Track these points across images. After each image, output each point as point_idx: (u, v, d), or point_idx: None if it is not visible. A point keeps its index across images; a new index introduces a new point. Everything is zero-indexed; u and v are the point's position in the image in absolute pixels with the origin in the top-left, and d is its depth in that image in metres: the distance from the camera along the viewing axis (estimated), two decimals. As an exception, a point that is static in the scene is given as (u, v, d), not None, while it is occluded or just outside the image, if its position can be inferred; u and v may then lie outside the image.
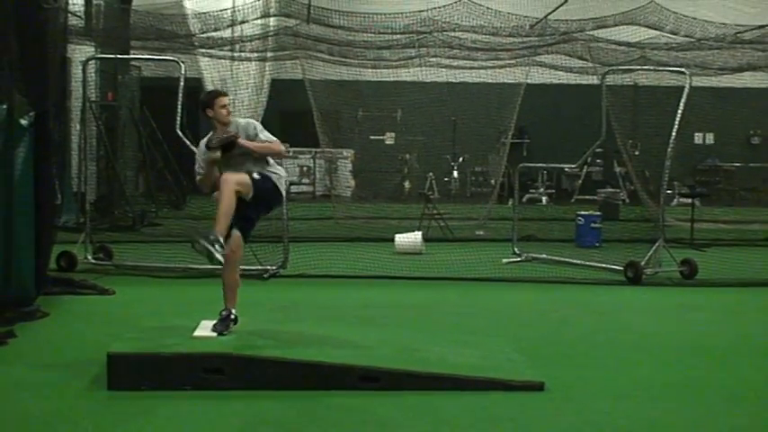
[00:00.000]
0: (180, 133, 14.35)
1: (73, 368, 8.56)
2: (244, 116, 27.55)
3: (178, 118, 14.33)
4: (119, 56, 19.81)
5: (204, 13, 20.72)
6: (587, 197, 27.02)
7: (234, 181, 8.89)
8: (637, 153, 25.94)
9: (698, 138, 31.14)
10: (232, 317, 8.91)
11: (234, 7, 20.56)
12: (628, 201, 25.61)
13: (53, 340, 9.93)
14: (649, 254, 14.44)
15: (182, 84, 14.41)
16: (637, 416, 7.49)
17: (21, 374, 8.49)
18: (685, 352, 9.84)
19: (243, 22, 21.05)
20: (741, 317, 12.10)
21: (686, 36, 19.04)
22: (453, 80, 24.79)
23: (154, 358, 7.97)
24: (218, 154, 9.11)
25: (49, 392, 7.88)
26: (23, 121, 10.99)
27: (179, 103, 14.40)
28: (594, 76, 21.47)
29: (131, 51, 20.71)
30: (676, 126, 14.55)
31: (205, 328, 8.77)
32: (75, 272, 13.95)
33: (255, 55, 24.42)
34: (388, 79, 24.87)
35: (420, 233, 17.53)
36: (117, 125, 21.67)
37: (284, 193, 9.40)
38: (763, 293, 13.75)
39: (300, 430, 7.02)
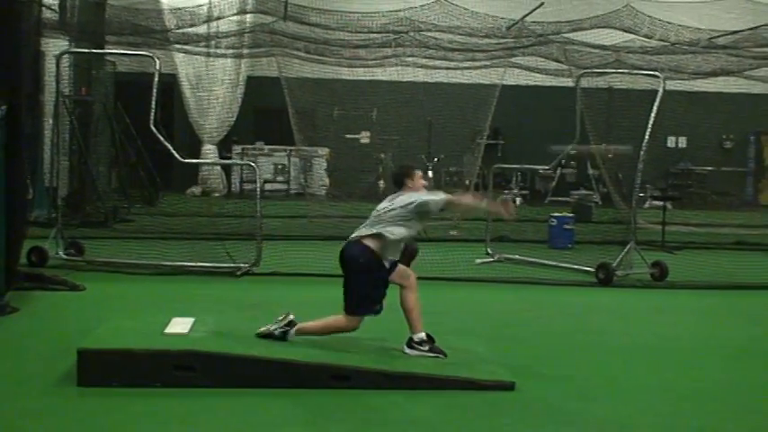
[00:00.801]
0: (154, 129, 14.28)
1: (42, 364, 8.52)
2: (218, 114, 27.70)
3: (152, 113, 14.27)
4: (93, 50, 19.71)
5: (180, 8, 20.66)
6: (561, 199, 27.13)
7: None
8: (610, 156, 26.03)
9: (671, 141, 31.31)
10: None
11: (210, 3, 20.52)
12: (600, 203, 25.74)
13: (23, 336, 9.88)
14: (621, 256, 14.51)
15: (156, 79, 14.34)
16: (607, 416, 7.52)
17: (-10, 369, 8.45)
18: (655, 353, 9.90)
19: (219, 19, 21.01)
20: (711, 319, 12.19)
21: (661, 40, 19.11)
22: (429, 80, 24.82)
23: (124, 355, 7.94)
24: None
25: (18, 388, 7.84)
26: (-5, 115, 10.92)
27: (153, 98, 14.33)
28: (569, 79, 21.54)
29: (106, 46, 20.62)
30: (649, 129, 14.63)
31: (176, 325, 8.73)
32: (45, 267, 13.87)
33: (231, 51, 24.38)
34: (364, 78, 24.86)
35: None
36: (90, 120, 21.54)
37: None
38: (732, 296, 13.85)
39: (270, 429, 7.01)
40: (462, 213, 9.03)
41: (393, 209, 8.81)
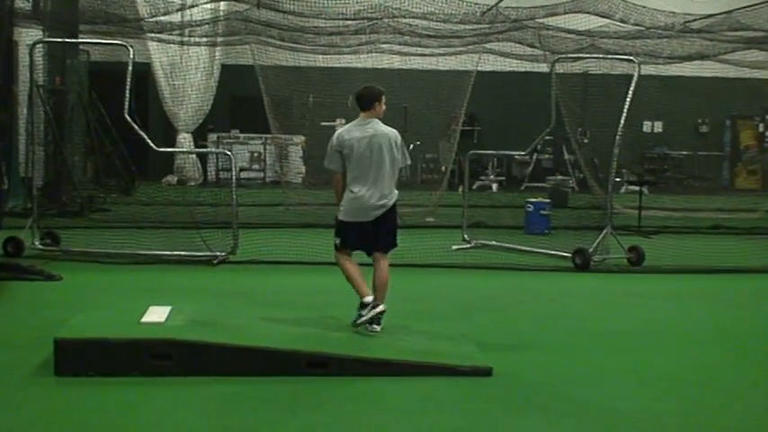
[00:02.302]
0: (128, 118, 14.22)
1: (19, 354, 8.50)
2: (193, 102, 27.57)
3: (126, 102, 14.21)
4: (67, 40, 19.61)
5: (153, -3, 20.57)
6: (537, 184, 27.15)
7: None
8: (586, 141, 26.10)
9: (647, 126, 31.37)
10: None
11: (184, -9, 20.45)
12: (577, 188, 25.77)
13: (-1, 326, 9.87)
14: (597, 241, 14.56)
15: (130, 68, 14.28)
16: (585, 400, 7.57)
17: (-34, 360, 8.43)
18: (631, 337, 9.95)
19: (192, 7, 20.94)
20: (687, 303, 12.24)
21: (636, 24, 19.13)
22: (404, 67, 24.79)
23: (101, 344, 7.93)
24: None
25: (-5, 378, 7.83)
26: (-31, 105, 10.87)
27: (127, 87, 14.27)
28: (545, 64, 21.56)
29: (79, 35, 20.50)
30: (625, 114, 14.67)
31: (153, 314, 8.71)
32: (22, 257, 13.82)
33: (205, 40, 24.28)
34: (339, 65, 24.82)
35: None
36: (65, 110, 21.45)
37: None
38: (708, 280, 13.92)
39: (248, 416, 7.02)
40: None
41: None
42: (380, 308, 8.94)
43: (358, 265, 9.32)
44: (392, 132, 9.28)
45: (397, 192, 9.28)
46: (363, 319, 8.94)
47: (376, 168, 9.12)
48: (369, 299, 8.99)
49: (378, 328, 8.94)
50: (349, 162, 9.17)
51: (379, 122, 9.28)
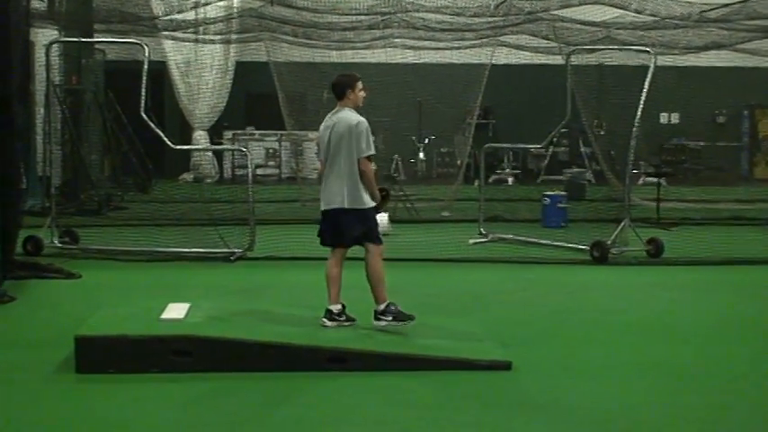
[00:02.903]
0: (144, 116, 14.27)
1: (41, 352, 8.54)
2: (208, 100, 27.60)
3: (142, 101, 14.26)
4: (82, 39, 19.67)
5: (167, -5, 20.60)
6: (553, 177, 27.11)
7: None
8: (602, 133, 26.00)
9: (663, 117, 31.25)
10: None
11: (198, -11, 20.47)
12: (594, 181, 25.69)
13: (20, 324, 9.92)
14: (615, 233, 14.51)
15: (146, 67, 14.32)
16: (603, 394, 7.56)
17: (-13, 359, 8.47)
18: (651, 330, 9.92)
19: (206, 4, 20.95)
20: (706, 295, 12.20)
21: (651, 15, 19.03)
22: (418, 61, 24.77)
23: (122, 341, 7.96)
24: None
25: (17, 376, 7.88)
26: (-13, 106, 10.92)
27: (143, 86, 14.31)
28: (560, 56, 21.49)
29: (95, 34, 20.56)
30: (641, 105, 14.61)
31: (172, 311, 8.74)
32: (41, 256, 13.87)
33: (219, 37, 24.31)
34: (352, 60, 24.76)
35: (386, 215, 17.48)
36: (81, 109, 21.51)
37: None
38: (728, 272, 13.86)
39: (268, 411, 7.04)
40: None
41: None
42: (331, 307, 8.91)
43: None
44: (354, 120, 8.96)
45: (362, 197, 8.89)
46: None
47: (332, 158, 9.04)
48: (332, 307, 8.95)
49: (328, 323, 8.88)
50: (321, 153, 9.19)
51: (348, 111, 9.05)
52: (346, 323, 8.91)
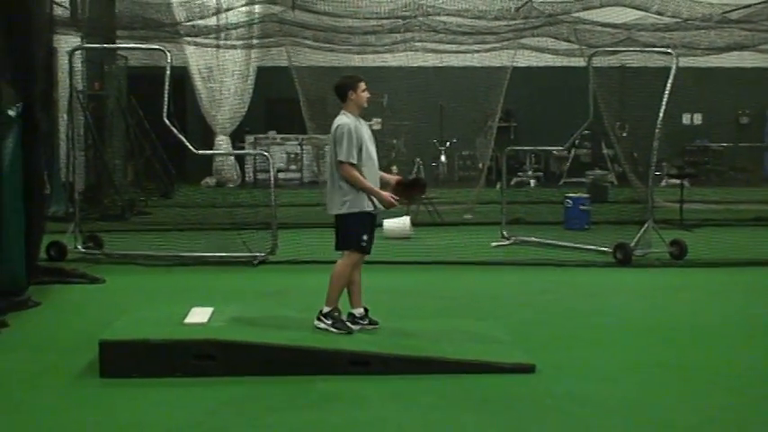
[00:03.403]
0: (167, 121, 14.33)
1: (65, 356, 8.59)
2: (230, 105, 27.67)
3: (165, 106, 14.31)
4: (105, 45, 19.77)
5: (189, 1, 20.69)
6: (575, 179, 27.04)
7: None
8: (624, 134, 25.93)
9: (686, 118, 31.16)
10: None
11: (219, -5, 20.56)
12: (616, 182, 25.64)
13: (45, 329, 9.95)
14: (638, 235, 14.47)
15: (168, 72, 14.37)
16: (627, 396, 7.54)
17: (13, 363, 8.52)
18: (674, 332, 9.89)
19: (228, 10, 21.03)
20: (730, 297, 12.14)
21: (673, 16, 19.00)
22: (439, 64, 24.78)
23: (145, 345, 8.00)
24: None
25: (42, 381, 7.91)
26: (11, 112, 10.98)
27: (166, 91, 14.37)
28: (581, 59, 21.45)
29: (117, 41, 20.66)
30: (664, 107, 14.57)
31: (195, 315, 8.77)
32: (65, 261, 13.94)
33: (241, 43, 24.39)
34: (374, 65, 24.81)
35: (408, 218, 17.53)
36: (104, 114, 21.63)
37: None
38: (751, 273, 13.80)
39: (292, 415, 7.05)
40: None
41: None
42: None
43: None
44: (335, 124, 8.87)
45: (346, 202, 8.78)
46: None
47: (329, 162, 9.06)
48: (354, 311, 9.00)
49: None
50: None
51: (342, 115, 8.94)
52: (369, 327, 8.93)
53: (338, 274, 8.84)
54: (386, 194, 8.89)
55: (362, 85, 8.99)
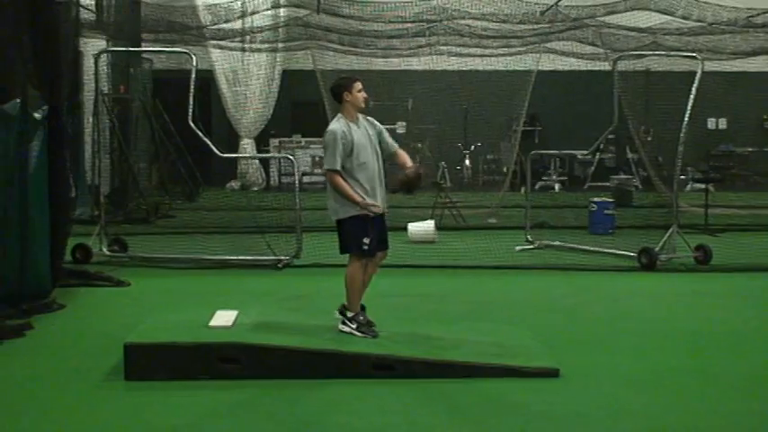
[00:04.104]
0: (192, 125, 14.36)
1: (89, 359, 8.63)
2: (255, 108, 27.73)
3: (190, 109, 14.34)
4: (130, 48, 19.86)
5: (215, 4, 20.78)
6: (600, 184, 26.99)
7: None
8: (649, 139, 25.89)
9: (711, 123, 31.00)
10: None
11: (244, -2, 20.61)
12: (641, 187, 25.54)
13: (70, 332, 9.99)
14: (663, 240, 14.42)
15: (193, 76, 14.41)
16: (651, 402, 7.51)
17: (38, 366, 8.55)
18: (699, 338, 9.85)
19: (253, 14, 21.08)
20: (755, 302, 12.07)
21: (698, 21, 18.97)
22: (464, 68, 24.75)
23: (170, 348, 8.03)
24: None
25: (67, 383, 7.95)
26: (37, 115, 11.04)
27: (191, 94, 14.40)
28: (606, 63, 21.44)
29: (143, 44, 20.76)
30: (689, 111, 14.51)
31: (220, 318, 8.80)
32: (90, 264, 13.99)
33: (266, 46, 24.47)
34: (398, 68, 24.85)
35: (433, 222, 17.54)
36: (129, 118, 21.70)
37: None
38: (777, 278, 13.74)
39: (317, 418, 7.06)
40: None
41: None
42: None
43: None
44: (327, 129, 8.82)
45: (341, 207, 8.79)
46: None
47: None
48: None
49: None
50: None
51: (338, 119, 8.90)
52: (358, 334, 8.87)
53: (350, 278, 8.89)
54: (370, 203, 8.74)
55: (358, 86, 8.94)
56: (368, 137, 8.93)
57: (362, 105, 9.02)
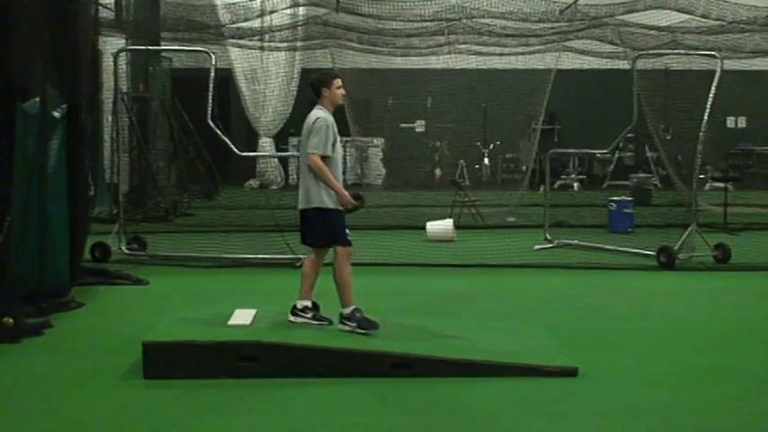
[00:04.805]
0: (211, 123, 14.39)
1: (108, 357, 8.65)
2: (274, 107, 27.74)
3: (209, 108, 14.37)
4: (149, 47, 19.90)
5: (234, 3, 20.78)
6: (619, 182, 26.89)
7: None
8: (669, 138, 25.77)
9: (730, 122, 30.86)
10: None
11: (263, -3, 20.63)
12: (660, 186, 25.46)
13: (88, 330, 10.03)
14: (682, 239, 14.38)
15: (212, 74, 14.45)
16: (670, 400, 7.49)
17: (56, 364, 8.58)
18: (718, 337, 9.83)
19: (272, 12, 21.09)
20: (775, 301, 12.05)
21: (717, 19, 18.88)
22: (483, 67, 24.70)
23: (189, 347, 8.04)
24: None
25: (85, 382, 7.97)
26: (56, 114, 11.09)
27: (210, 93, 14.43)
28: (625, 61, 21.36)
29: (162, 42, 20.79)
30: (708, 110, 14.47)
31: (239, 317, 8.81)
32: (109, 262, 14.03)
33: (285, 45, 24.46)
34: (417, 67, 24.84)
35: (451, 220, 17.53)
36: (148, 116, 21.75)
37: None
38: (797, 277, 13.68)
39: (336, 417, 7.06)
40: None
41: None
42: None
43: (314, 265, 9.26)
44: (313, 117, 8.86)
45: (322, 197, 8.82)
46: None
47: (301, 157, 9.14)
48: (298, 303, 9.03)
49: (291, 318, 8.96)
50: None
51: (317, 109, 8.95)
52: (314, 322, 8.95)
53: (342, 272, 8.97)
54: (347, 195, 8.88)
55: (337, 82, 9.02)
56: (337, 133, 9.06)
57: (340, 102, 9.15)
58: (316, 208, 8.87)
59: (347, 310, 8.82)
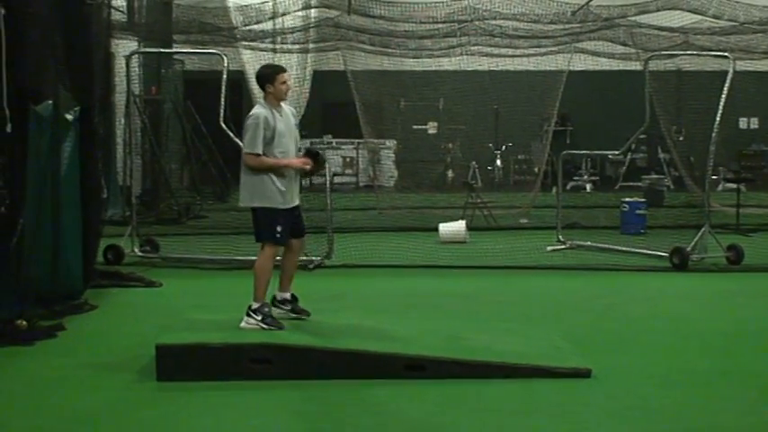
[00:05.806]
0: (224, 126, 14.41)
1: (121, 360, 8.67)
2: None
3: (221, 111, 14.39)
4: (162, 50, 19.93)
5: (246, 5, 20.79)
6: (632, 184, 26.84)
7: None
8: (681, 139, 25.71)
9: (743, 122, 30.80)
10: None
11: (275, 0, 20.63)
12: (672, 187, 25.39)
13: (101, 333, 10.04)
14: (695, 240, 14.35)
15: (224, 77, 14.47)
16: (683, 402, 7.48)
17: (70, 366, 8.59)
18: (731, 338, 9.80)
19: (284, 14, 21.10)
20: (788, 302, 12.01)
21: (730, 20, 18.84)
22: (495, 68, 24.66)
23: (202, 349, 8.05)
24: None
25: (98, 384, 7.98)
26: (69, 116, 11.12)
27: (222, 95, 14.46)
28: (637, 62, 21.33)
29: (174, 45, 20.83)
30: (720, 111, 14.44)
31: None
32: (122, 265, 14.06)
33: (297, 47, 24.45)
34: (429, 68, 24.81)
35: (464, 222, 17.50)
36: (161, 119, 21.79)
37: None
38: (810, 278, 13.64)
39: (347, 419, 7.06)
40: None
41: None
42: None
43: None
44: (250, 114, 8.88)
45: (256, 195, 8.88)
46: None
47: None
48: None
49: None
50: None
51: (258, 106, 8.97)
52: (293, 315, 9.12)
53: (260, 267, 8.96)
54: (294, 160, 8.92)
55: (281, 78, 8.98)
56: (289, 126, 9.04)
57: (284, 98, 9.12)
58: (251, 207, 9.01)
59: (255, 304, 8.83)
